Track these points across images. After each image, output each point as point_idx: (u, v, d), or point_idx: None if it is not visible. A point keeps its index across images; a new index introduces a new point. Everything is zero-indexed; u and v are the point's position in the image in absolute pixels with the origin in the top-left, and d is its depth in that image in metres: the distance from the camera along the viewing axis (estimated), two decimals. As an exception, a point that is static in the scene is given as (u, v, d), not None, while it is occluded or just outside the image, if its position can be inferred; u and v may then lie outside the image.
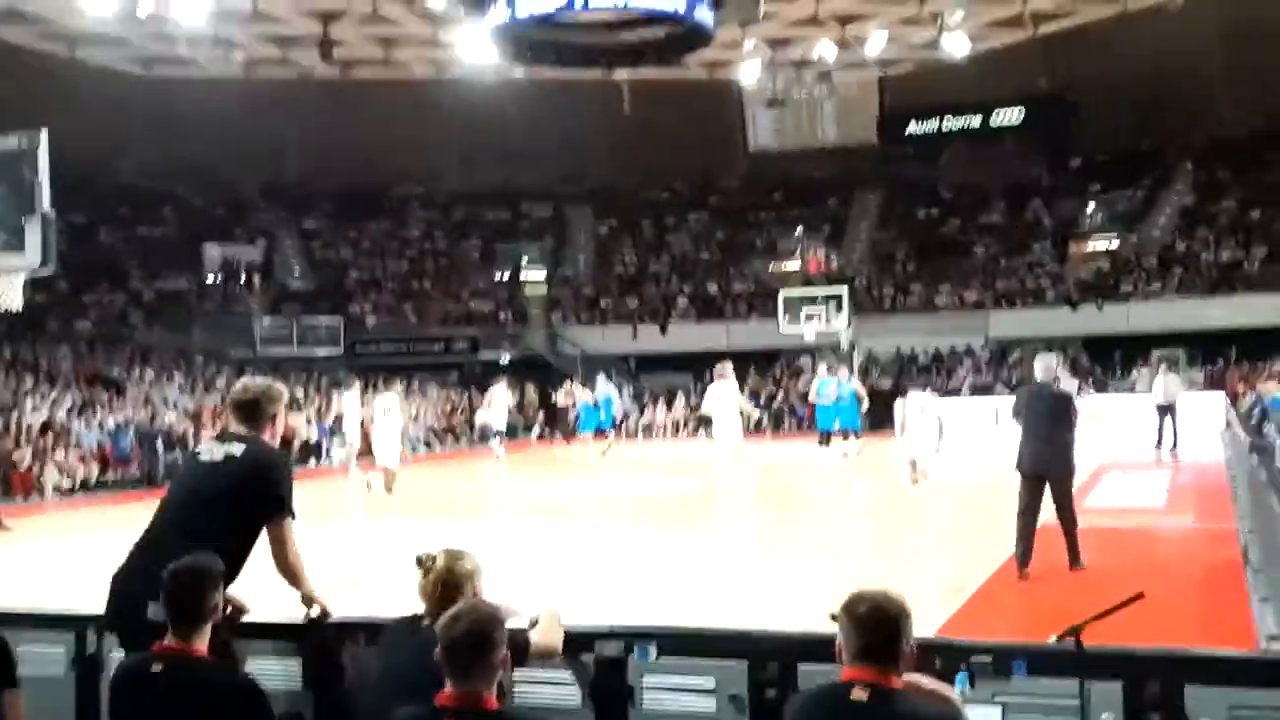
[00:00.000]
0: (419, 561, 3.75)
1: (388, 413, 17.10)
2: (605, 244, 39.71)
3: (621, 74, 29.52)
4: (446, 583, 3.67)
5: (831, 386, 20.32)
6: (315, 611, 4.30)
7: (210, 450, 4.34)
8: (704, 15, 13.20)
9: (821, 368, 21.75)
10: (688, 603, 8.61)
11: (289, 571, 4.22)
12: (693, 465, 20.69)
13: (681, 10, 12.98)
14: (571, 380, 26.49)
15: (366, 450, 19.14)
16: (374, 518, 15.44)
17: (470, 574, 3.73)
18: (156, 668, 3.52)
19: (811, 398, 20.59)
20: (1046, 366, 9.70)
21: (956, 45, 31.89)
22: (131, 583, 4.05)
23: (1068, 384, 10.19)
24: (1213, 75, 32.91)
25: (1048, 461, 9.17)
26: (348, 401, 21.01)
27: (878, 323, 32.67)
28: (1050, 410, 9.32)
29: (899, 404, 16.76)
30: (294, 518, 4.27)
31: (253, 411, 4.43)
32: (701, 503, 16.42)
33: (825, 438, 20.78)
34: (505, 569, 8.78)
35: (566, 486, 18.98)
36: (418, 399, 29.76)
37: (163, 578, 3.60)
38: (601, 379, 25.99)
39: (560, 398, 25.37)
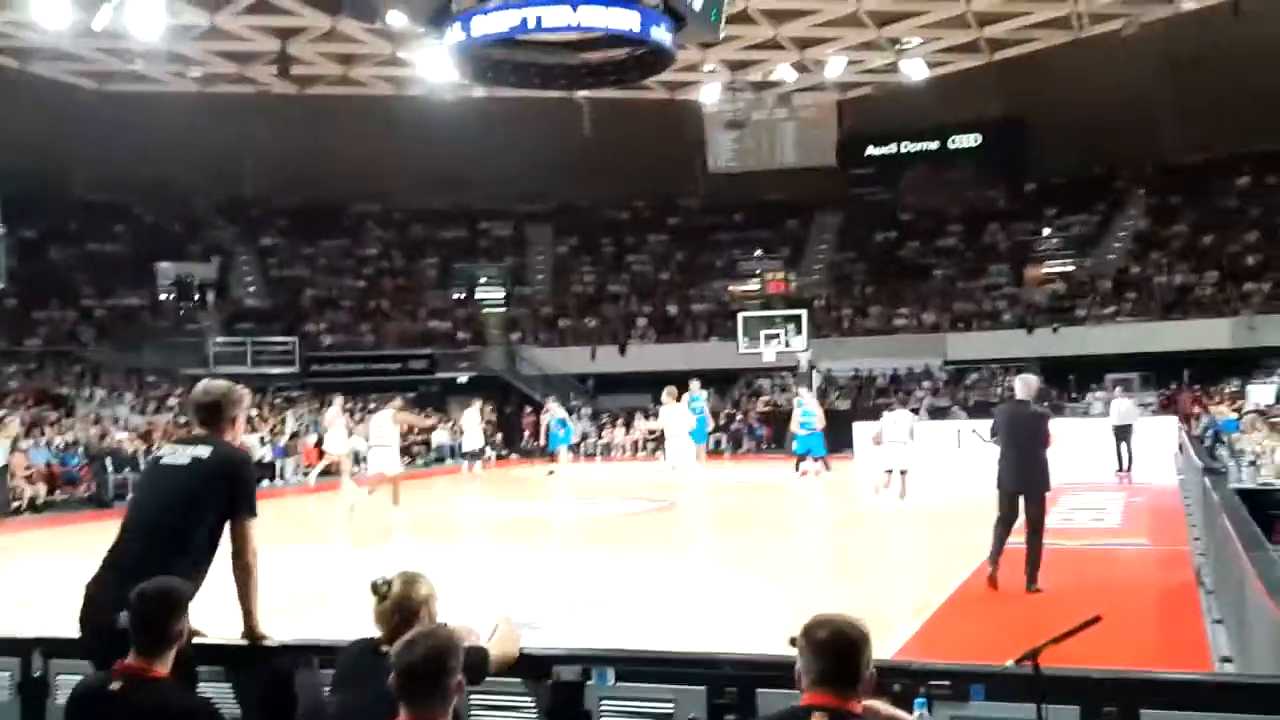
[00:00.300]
0: (374, 588, 3.72)
1: (383, 429, 17.12)
2: (565, 263, 39.67)
3: (582, 94, 29.52)
4: (402, 607, 3.65)
5: (817, 416, 20.35)
6: (267, 638, 4.25)
7: (174, 454, 4.38)
8: (661, 35, 13.18)
9: (806, 395, 21.59)
10: (647, 626, 8.54)
11: (245, 570, 4.22)
12: (653, 486, 20.66)
13: (636, 29, 12.96)
14: (549, 400, 26.58)
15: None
16: (335, 539, 15.26)
17: (425, 599, 3.71)
18: (115, 685, 3.48)
19: (795, 428, 20.50)
20: (1027, 385, 9.80)
21: (914, 70, 32.25)
22: (103, 590, 4.05)
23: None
24: (1162, 103, 33.41)
25: (1024, 480, 9.32)
26: (331, 417, 21.08)
27: (836, 344, 32.84)
28: (1028, 429, 9.44)
29: (885, 418, 16.97)
30: (256, 516, 4.29)
31: (214, 413, 4.43)
32: (662, 524, 16.36)
33: (798, 462, 20.72)
34: (465, 590, 8.68)
35: (527, 508, 18.87)
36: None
37: (130, 598, 3.56)
38: (552, 401, 25.98)
39: (543, 417, 25.51)
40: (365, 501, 16.98)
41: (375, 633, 3.68)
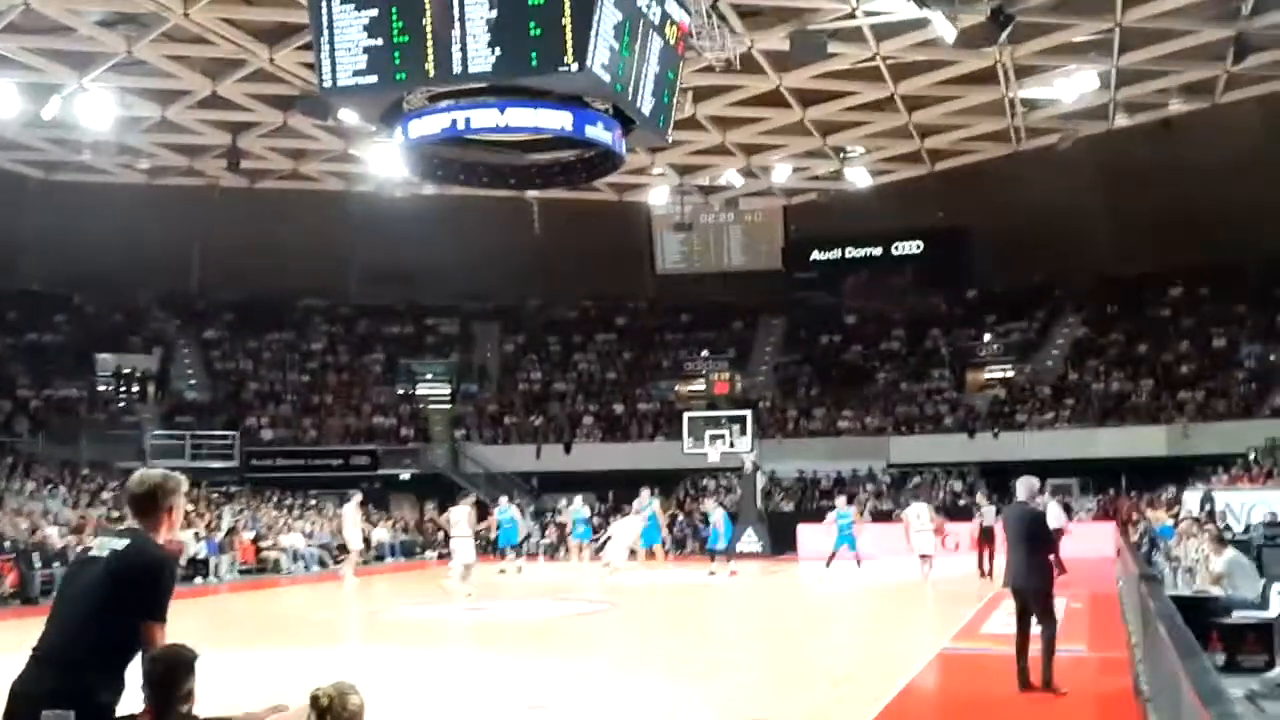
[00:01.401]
0: (314, 699, 3.74)
1: (460, 522, 20.01)
2: (511, 362, 39.65)
3: (532, 194, 29.83)
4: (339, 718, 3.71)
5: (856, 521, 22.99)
6: None
7: (100, 545, 4.25)
8: (599, 135, 13.35)
9: (840, 500, 23.81)
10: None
11: None
12: (593, 588, 20.45)
13: (569, 128, 13.12)
14: (507, 499, 26.39)
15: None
16: (271, 639, 14.86)
17: (359, 710, 3.75)
18: None
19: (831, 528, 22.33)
20: (1028, 487, 9.99)
21: (858, 178, 32.96)
22: (26, 686, 3.98)
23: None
24: (1098, 215, 34.46)
25: (1024, 577, 9.51)
26: (348, 513, 22.92)
27: (781, 446, 32.94)
28: (1026, 529, 9.68)
29: (909, 512, 21.41)
30: (162, 623, 4.11)
31: (148, 504, 4.32)
32: (602, 626, 16.13)
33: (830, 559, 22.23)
34: (402, 695, 8.46)
35: (466, 609, 18.55)
36: (313, 516, 29.02)
37: (143, 662, 3.89)
38: (504, 500, 25.77)
39: (496, 515, 25.32)
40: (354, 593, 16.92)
41: None
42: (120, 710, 3.95)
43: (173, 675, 3.90)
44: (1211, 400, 30.43)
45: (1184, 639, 7.20)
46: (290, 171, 32.54)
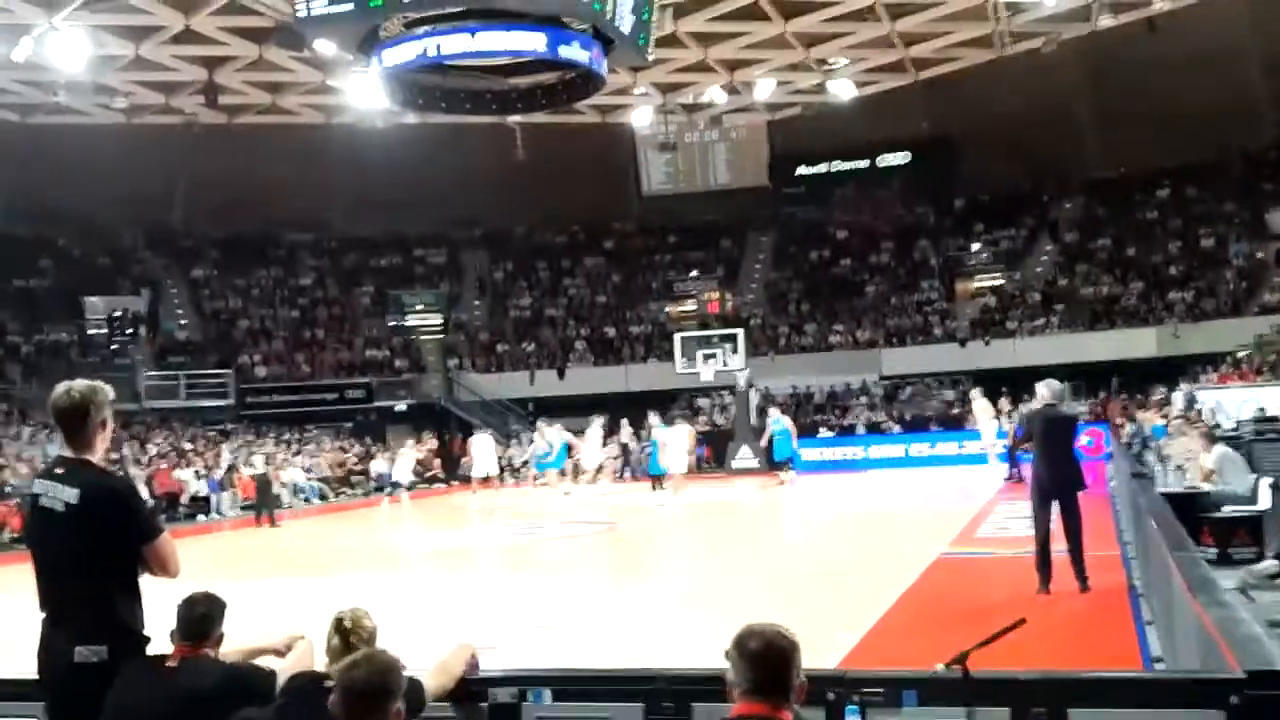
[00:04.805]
0: (338, 622, 3.83)
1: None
2: (500, 289, 39.58)
3: (514, 119, 29.54)
4: (351, 643, 3.77)
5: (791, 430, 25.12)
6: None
7: (48, 493, 4.00)
8: (575, 54, 13.24)
9: (774, 412, 25.96)
10: (590, 647, 8.54)
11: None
12: (594, 508, 20.70)
13: (542, 49, 13.02)
14: (543, 424, 26.85)
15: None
16: (286, 571, 15.06)
17: (374, 632, 3.85)
18: (169, 664, 3.85)
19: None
20: (1054, 390, 9.90)
21: (842, 90, 32.65)
22: (48, 645, 3.99)
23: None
24: (1083, 119, 34.25)
25: (1060, 481, 9.46)
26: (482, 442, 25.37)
27: (773, 362, 33.06)
28: (1061, 432, 9.69)
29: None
30: (163, 531, 4.08)
31: (79, 419, 4.06)
32: (605, 546, 16.35)
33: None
34: (412, 620, 8.62)
35: (474, 534, 18.77)
36: (312, 450, 29.19)
37: (178, 605, 3.94)
38: (547, 424, 26.11)
39: (537, 440, 25.98)
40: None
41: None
42: (150, 651, 3.98)
43: (208, 619, 3.96)
44: (1201, 300, 30.52)
45: (1175, 533, 7.36)
46: (269, 105, 32.17)
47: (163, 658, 3.87)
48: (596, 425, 26.66)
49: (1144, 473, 13.91)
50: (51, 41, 24.37)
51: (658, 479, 24.14)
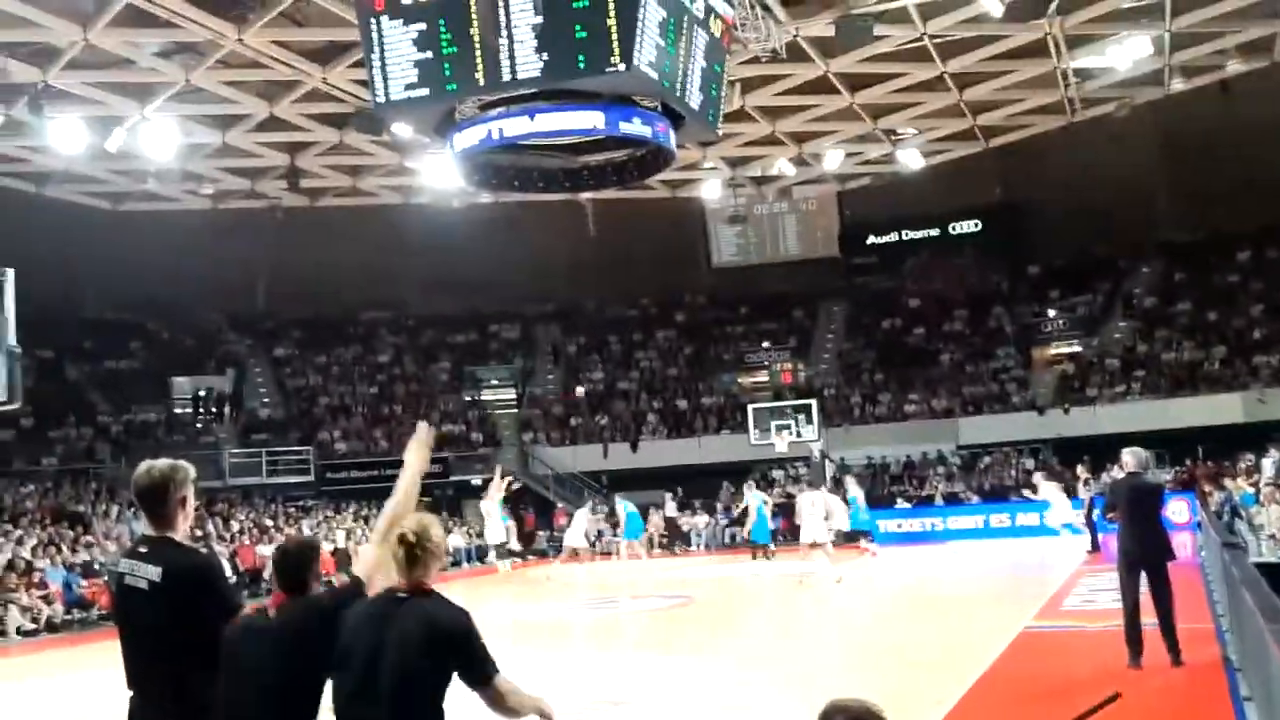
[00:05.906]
0: (401, 538, 3.94)
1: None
2: (574, 363, 39.89)
3: (586, 195, 29.99)
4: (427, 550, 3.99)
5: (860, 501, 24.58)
6: None
7: (133, 571, 4.10)
8: (636, 130, 13.48)
9: (851, 483, 25.49)
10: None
11: None
12: (667, 582, 20.55)
13: (601, 126, 13.30)
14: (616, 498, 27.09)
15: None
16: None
17: (441, 541, 4.07)
18: (269, 613, 4.03)
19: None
20: (1139, 458, 9.77)
21: (911, 159, 32.69)
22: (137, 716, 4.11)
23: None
24: (1158, 183, 33.91)
25: (1149, 551, 9.28)
26: (580, 517, 25.28)
27: (848, 433, 32.82)
28: (1150, 501, 9.58)
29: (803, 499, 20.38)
30: (243, 607, 4.20)
31: (160, 496, 4.18)
32: (680, 621, 16.25)
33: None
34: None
35: (546, 608, 18.75)
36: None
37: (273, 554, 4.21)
38: (618, 497, 26.75)
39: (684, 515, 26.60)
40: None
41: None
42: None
43: (302, 559, 4.17)
44: (1287, 364, 29.79)
45: (1271, 605, 7.16)
46: (349, 188, 33.03)
47: (264, 608, 4.09)
48: (585, 507, 26.69)
49: (1236, 542, 13.55)
50: (143, 131, 25.32)
51: (762, 548, 24.04)
